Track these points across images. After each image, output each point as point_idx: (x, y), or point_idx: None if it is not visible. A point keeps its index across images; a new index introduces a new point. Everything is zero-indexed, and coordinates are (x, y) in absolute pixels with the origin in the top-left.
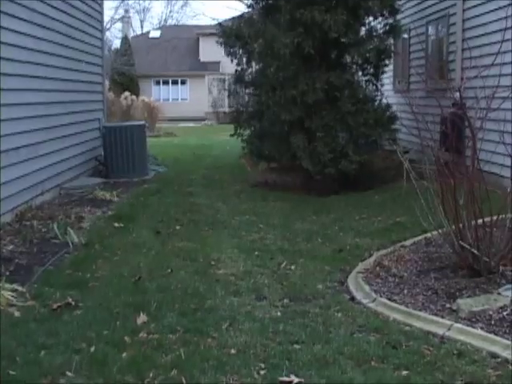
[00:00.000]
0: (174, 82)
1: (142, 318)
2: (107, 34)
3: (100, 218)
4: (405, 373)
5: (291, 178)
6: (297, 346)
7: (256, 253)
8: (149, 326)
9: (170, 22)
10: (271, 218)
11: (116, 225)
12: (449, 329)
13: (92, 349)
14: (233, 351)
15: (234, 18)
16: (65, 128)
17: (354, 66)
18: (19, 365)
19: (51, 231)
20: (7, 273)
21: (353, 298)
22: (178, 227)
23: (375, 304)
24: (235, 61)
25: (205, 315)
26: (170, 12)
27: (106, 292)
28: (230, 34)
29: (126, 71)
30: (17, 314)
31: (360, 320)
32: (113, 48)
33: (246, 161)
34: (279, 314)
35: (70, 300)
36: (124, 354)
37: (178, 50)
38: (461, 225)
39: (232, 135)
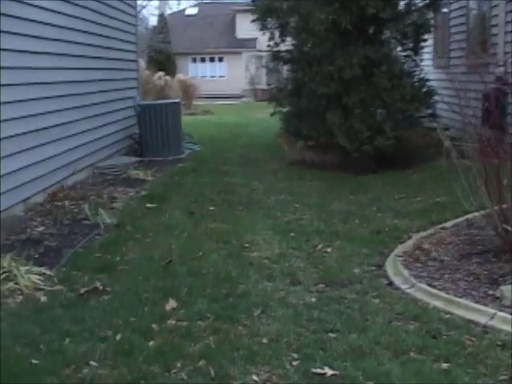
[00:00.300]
0: (211, 60)
1: (171, 303)
2: (143, 11)
3: (133, 198)
4: (445, 365)
5: (328, 156)
6: (332, 335)
7: (291, 234)
8: (178, 313)
9: None
10: (307, 197)
11: (149, 205)
12: (492, 318)
13: (118, 337)
14: (264, 340)
15: None
16: (98, 106)
17: (393, 41)
18: (43, 353)
19: (83, 212)
20: (36, 255)
21: (391, 283)
22: (211, 208)
23: (414, 290)
24: (268, 35)
25: (236, 301)
26: None
27: (135, 276)
28: (263, 8)
29: (162, 49)
30: (43, 298)
31: (398, 307)
32: (149, 25)
33: (282, 139)
34: (314, 299)
35: (98, 284)
36: (151, 343)
37: (215, 27)
38: (504, 206)
39: (272, 114)
